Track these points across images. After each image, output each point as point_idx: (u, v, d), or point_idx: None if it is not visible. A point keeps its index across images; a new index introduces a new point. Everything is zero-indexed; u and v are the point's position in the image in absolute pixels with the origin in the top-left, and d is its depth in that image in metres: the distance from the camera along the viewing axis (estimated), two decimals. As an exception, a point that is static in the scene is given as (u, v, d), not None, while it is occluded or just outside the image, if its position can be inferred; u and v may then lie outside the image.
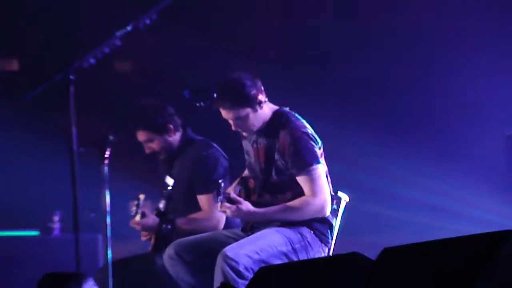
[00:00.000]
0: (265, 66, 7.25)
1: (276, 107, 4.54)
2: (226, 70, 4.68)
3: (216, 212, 4.70)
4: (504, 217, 6.81)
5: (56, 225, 6.72)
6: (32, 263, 6.24)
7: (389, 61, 7.69)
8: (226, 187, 4.61)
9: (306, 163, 4.34)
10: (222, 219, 4.86)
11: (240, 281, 4.12)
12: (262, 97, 4.44)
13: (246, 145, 4.63)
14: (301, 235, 4.38)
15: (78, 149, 4.22)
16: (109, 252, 4.29)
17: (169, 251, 4.51)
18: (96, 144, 4.35)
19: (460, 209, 7.34)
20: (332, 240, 4.50)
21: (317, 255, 4.39)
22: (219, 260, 4.19)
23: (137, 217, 4.91)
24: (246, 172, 4.71)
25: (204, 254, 4.44)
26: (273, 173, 4.46)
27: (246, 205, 4.35)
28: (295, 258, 4.33)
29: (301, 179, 4.35)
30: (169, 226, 4.86)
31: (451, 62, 7.63)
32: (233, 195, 4.40)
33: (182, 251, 4.48)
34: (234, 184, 4.68)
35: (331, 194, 4.41)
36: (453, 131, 7.76)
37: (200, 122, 5.07)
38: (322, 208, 4.34)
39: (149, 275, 4.89)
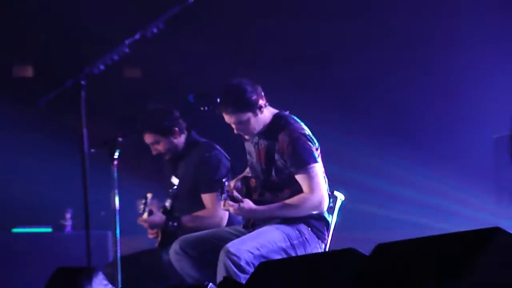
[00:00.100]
0: (266, 67, 7.24)
1: (276, 111, 4.54)
2: (228, 75, 4.67)
3: (219, 210, 4.70)
4: (496, 216, 6.74)
5: (68, 222, 6.72)
6: (46, 258, 6.24)
7: (389, 61, 7.55)
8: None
9: (304, 162, 4.34)
10: (225, 216, 4.86)
11: (241, 275, 4.12)
12: (262, 101, 4.45)
13: (249, 146, 4.63)
14: (299, 232, 4.38)
15: (89, 150, 4.21)
16: (118, 248, 4.29)
17: (175, 246, 4.51)
18: (106, 146, 4.34)
19: (454, 207, 7.30)
20: (328, 236, 4.50)
21: (314, 251, 4.39)
22: (222, 255, 4.19)
23: (145, 215, 4.92)
24: (247, 171, 4.71)
25: (208, 250, 4.43)
26: (273, 172, 4.46)
27: (248, 204, 4.35)
28: (293, 254, 4.33)
29: (299, 177, 4.35)
30: (175, 223, 4.86)
31: (450, 62, 7.47)
32: (235, 194, 4.41)
33: (187, 247, 4.48)
34: (234, 180, 4.67)
35: (328, 193, 4.41)
36: (447, 131, 7.64)
37: (204, 125, 5.08)
38: (320, 204, 4.34)
39: (155, 269, 4.89)
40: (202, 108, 4.56)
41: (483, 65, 7.29)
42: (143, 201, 4.94)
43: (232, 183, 4.57)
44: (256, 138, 4.54)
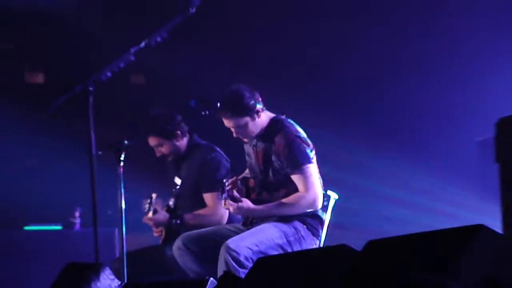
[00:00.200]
0: (264, 72, 7.21)
1: (272, 115, 4.54)
2: (228, 82, 4.67)
3: (219, 208, 4.71)
4: (481, 214, 6.70)
5: (77, 221, 6.71)
6: (56, 254, 6.24)
7: (389, 61, 7.46)
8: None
9: (299, 163, 4.35)
10: (225, 214, 4.86)
11: (240, 270, 4.12)
12: (259, 106, 4.45)
13: (248, 148, 4.64)
14: (295, 229, 4.38)
15: (96, 152, 4.22)
16: (124, 244, 4.28)
17: (178, 243, 4.51)
18: (113, 148, 4.35)
19: (441, 206, 7.27)
20: (322, 233, 4.50)
21: (309, 247, 4.39)
22: (222, 251, 4.19)
23: (150, 214, 4.92)
24: (246, 172, 4.71)
25: (209, 246, 4.43)
26: (270, 173, 4.46)
27: (247, 203, 4.36)
28: (289, 250, 4.33)
29: (295, 177, 4.36)
30: (178, 221, 4.86)
31: (437, 64, 7.31)
32: (235, 194, 4.41)
33: (189, 243, 4.48)
34: (234, 179, 4.65)
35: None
36: (435, 133, 7.56)
37: (205, 128, 5.08)
38: (314, 201, 4.34)
39: (159, 264, 4.88)
40: (203, 113, 4.57)
41: (471, 68, 7.21)
42: (148, 201, 4.94)
43: (233, 179, 4.57)
44: (254, 140, 4.54)
